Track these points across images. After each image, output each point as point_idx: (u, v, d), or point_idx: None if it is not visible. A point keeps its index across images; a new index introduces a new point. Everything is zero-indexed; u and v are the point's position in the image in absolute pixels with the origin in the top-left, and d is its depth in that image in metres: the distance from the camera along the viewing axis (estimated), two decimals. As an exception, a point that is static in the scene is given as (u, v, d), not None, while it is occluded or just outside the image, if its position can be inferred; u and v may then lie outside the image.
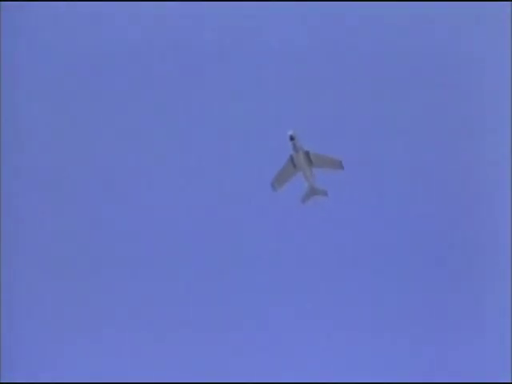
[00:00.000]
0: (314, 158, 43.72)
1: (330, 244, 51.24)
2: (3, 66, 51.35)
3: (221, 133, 53.36)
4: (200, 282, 51.74)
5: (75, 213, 52.61)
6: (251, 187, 48.85)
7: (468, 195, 51.84)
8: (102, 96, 54.51)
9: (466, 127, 52.87)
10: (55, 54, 53.72)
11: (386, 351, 48.77)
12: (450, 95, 53.67)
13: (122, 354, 48.71)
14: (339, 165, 43.89)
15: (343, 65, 54.81)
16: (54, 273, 50.80)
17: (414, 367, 48.02)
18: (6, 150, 51.06)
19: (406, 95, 54.20)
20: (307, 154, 43.35)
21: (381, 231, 52.12)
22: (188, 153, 53.51)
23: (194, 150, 53.39)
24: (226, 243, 52.30)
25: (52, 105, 53.67)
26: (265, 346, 49.59)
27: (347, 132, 53.09)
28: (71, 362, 48.20)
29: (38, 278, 50.36)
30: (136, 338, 49.58)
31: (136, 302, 50.74)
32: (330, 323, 50.22)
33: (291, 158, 43.31)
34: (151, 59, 54.86)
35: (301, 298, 50.82)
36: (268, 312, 50.84)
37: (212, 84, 54.64)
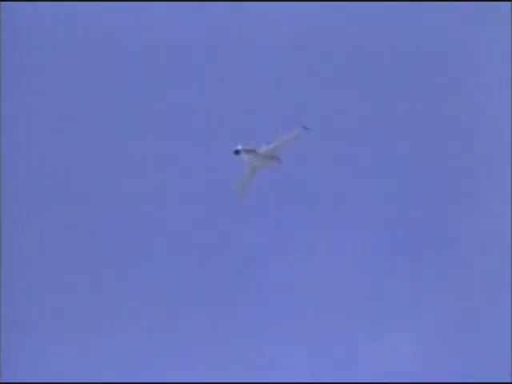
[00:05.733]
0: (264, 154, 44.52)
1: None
2: (3, 66, 51.44)
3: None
4: (199, 280, 51.84)
5: (75, 213, 52.69)
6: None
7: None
8: (101, 96, 54.59)
9: (465, 129, 52.98)
10: (54, 53, 53.83)
11: (386, 351, 48.79)
12: (449, 96, 53.75)
13: (122, 353, 48.69)
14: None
15: (341, 64, 54.95)
16: (55, 272, 50.84)
17: (413, 367, 48.02)
18: (6, 150, 51.14)
19: (404, 96, 54.30)
20: (255, 153, 43.95)
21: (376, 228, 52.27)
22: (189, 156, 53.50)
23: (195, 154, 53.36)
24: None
25: (51, 104, 53.76)
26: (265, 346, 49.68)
27: (345, 131, 53.25)
28: (71, 362, 48.20)
29: (39, 278, 50.39)
30: (136, 338, 49.59)
31: (136, 302, 50.75)
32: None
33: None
34: (150, 59, 54.95)
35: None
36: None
37: (213, 84, 54.69)
